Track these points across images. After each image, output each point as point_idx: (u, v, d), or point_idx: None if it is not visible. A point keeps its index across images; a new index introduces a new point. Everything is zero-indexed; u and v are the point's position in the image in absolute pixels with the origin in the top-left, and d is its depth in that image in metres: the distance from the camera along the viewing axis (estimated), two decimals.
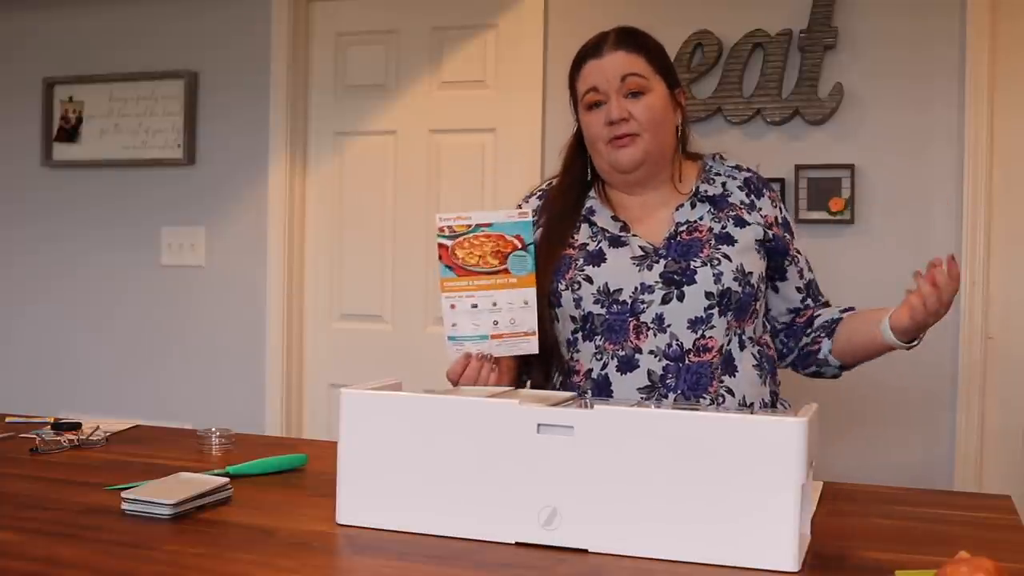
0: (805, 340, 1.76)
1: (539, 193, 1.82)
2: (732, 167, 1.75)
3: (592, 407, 1.14)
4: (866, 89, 2.70)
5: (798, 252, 1.76)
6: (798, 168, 2.72)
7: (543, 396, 1.34)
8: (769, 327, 1.78)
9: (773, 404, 1.70)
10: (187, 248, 3.35)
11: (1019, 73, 2.61)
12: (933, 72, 2.65)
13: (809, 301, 1.78)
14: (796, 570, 1.06)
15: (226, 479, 1.37)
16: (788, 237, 1.74)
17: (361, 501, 1.22)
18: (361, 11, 3.22)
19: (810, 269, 1.79)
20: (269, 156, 3.23)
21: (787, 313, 1.78)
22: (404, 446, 1.20)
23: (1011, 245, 2.62)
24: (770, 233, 1.69)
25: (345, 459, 1.23)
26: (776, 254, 1.72)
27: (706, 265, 1.61)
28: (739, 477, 1.07)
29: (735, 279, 1.60)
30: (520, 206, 1.77)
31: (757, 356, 1.66)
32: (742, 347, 1.64)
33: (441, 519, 1.18)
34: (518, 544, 1.15)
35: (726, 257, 1.62)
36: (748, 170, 1.76)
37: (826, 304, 1.81)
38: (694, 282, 1.60)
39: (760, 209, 1.70)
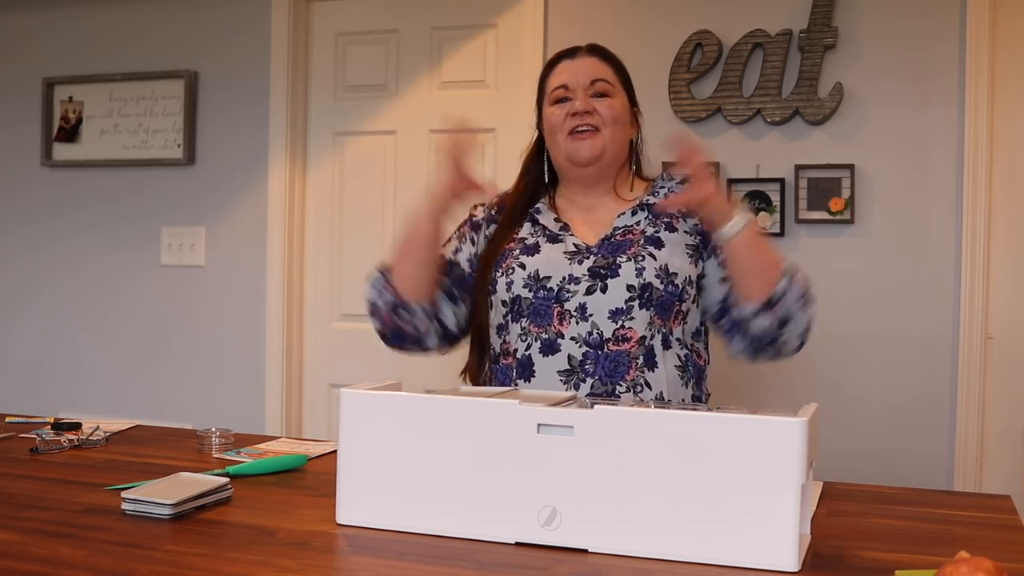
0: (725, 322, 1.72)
1: (497, 199, 1.88)
2: (679, 182, 1.80)
3: (592, 407, 1.14)
4: (866, 89, 2.70)
5: None
6: (798, 168, 2.72)
7: (543, 396, 1.34)
8: (708, 330, 1.77)
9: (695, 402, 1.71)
10: (187, 248, 3.35)
11: (1019, 73, 2.61)
12: (933, 72, 2.65)
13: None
14: (796, 570, 1.06)
15: (226, 479, 1.37)
16: None
17: (361, 501, 1.22)
18: (361, 11, 3.22)
19: None
20: (269, 156, 3.24)
21: (718, 304, 1.72)
22: (404, 446, 1.20)
23: (1011, 245, 2.62)
24: (700, 238, 1.73)
25: (345, 459, 1.23)
26: (704, 256, 1.73)
27: (631, 260, 1.67)
28: (739, 477, 1.07)
29: (657, 276, 1.65)
30: (472, 210, 1.88)
31: (682, 359, 1.69)
32: (667, 346, 1.67)
33: (441, 519, 1.18)
34: (518, 544, 1.15)
35: (651, 256, 1.67)
36: None
37: None
38: (617, 275, 1.66)
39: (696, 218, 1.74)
